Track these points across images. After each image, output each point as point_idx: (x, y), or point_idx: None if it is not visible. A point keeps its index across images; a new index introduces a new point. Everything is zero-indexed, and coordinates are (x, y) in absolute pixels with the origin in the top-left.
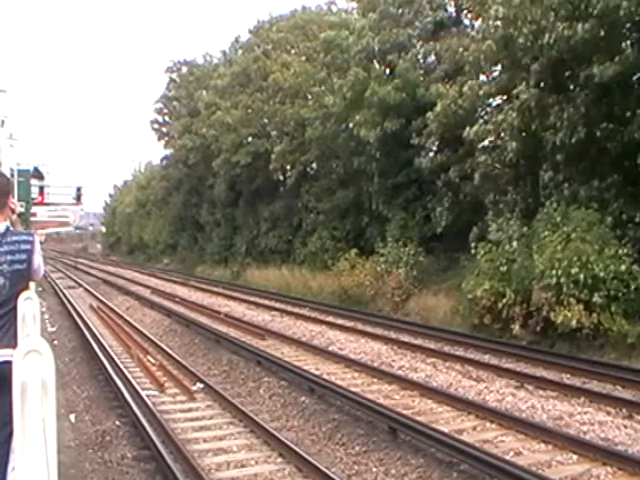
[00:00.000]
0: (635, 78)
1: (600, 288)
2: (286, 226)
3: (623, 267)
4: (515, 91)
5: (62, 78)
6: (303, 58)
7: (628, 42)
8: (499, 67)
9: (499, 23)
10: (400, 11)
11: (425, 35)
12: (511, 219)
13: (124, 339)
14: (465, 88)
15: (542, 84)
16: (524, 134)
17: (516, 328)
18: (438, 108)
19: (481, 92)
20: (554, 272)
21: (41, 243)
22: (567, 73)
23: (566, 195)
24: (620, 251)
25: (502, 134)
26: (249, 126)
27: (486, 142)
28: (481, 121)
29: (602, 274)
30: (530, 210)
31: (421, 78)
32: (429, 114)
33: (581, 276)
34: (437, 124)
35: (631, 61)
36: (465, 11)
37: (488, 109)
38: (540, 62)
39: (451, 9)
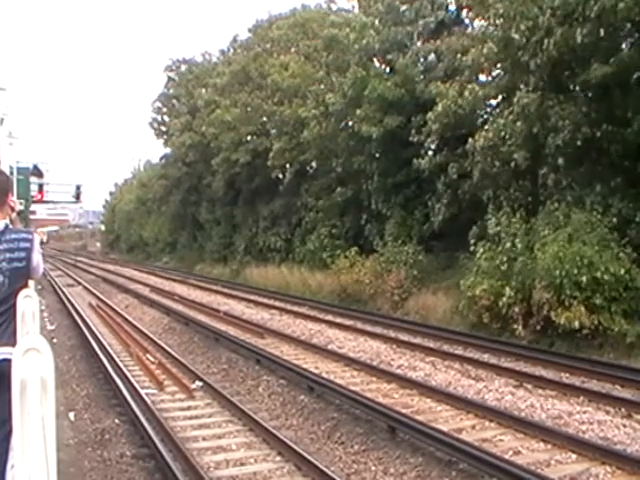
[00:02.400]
0: (634, 79)
1: (602, 290)
2: (285, 224)
3: (623, 270)
4: (516, 98)
5: (62, 76)
6: (302, 57)
7: (624, 44)
8: (499, 67)
9: (498, 22)
10: (403, 8)
11: (426, 34)
12: (512, 216)
13: (123, 337)
14: (466, 93)
15: (542, 84)
16: (525, 137)
17: (519, 329)
18: (439, 108)
19: (480, 93)
20: (557, 272)
21: (43, 243)
22: (566, 73)
23: (568, 198)
24: (621, 253)
25: (506, 138)
26: (248, 124)
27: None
28: (484, 132)
29: (604, 276)
30: (529, 208)
31: (421, 76)
32: (429, 115)
33: (583, 278)
34: (438, 124)
35: (627, 62)
36: (465, 10)
37: (488, 109)
38: (540, 60)
39: (452, 7)
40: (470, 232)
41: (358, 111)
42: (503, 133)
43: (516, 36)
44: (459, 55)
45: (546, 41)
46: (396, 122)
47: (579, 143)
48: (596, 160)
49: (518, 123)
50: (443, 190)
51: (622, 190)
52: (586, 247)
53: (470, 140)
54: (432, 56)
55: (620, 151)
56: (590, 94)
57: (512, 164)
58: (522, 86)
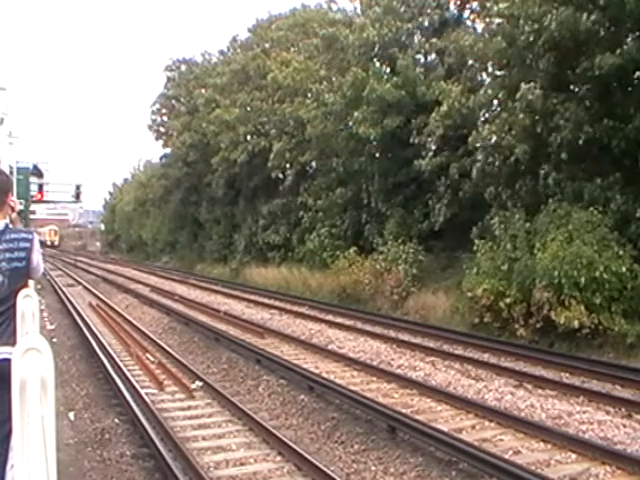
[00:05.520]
0: (635, 76)
1: (601, 289)
2: (285, 224)
3: (624, 268)
4: (519, 93)
5: (62, 76)
6: (302, 57)
7: (630, 38)
8: (506, 62)
9: (500, 20)
10: (403, 9)
11: (428, 33)
12: (514, 215)
13: (123, 337)
14: (473, 98)
15: (546, 82)
16: (527, 131)
17: (521, 330)
18: (444, 107)
19: (490, 92)
20: (556, 273)
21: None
22: (569, 71)
23: (569, 193)
24: (621, 251)
25: (506, 134)
26: (247, 124)
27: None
28: (487, 126)
29: (604, 275)
30: (530, 208)
31: (421, 77)
32: (433, 115)
33: (582, 279)
34: (441, 126)
35: (633, 55)
36: (468, 11)
37: (491, 109)
38: (545, 58)
39: (453, 7)
40: (472, 232)
41: (356, 113)
42: (506, 127)
43: (522, 37)
44: (467, 43)
45: (549, 17)
46: (395, 123)
47: (581, 142)
48: (597, 157)
49: (521, 116)
50: (443, 190)
51: (622, 188)
52: (585, 247)
53: (474, 133)
54: (433, 55)
55: (622, 146)
56: (591, 87)
57: (512, 159)
58: (524, 84)
